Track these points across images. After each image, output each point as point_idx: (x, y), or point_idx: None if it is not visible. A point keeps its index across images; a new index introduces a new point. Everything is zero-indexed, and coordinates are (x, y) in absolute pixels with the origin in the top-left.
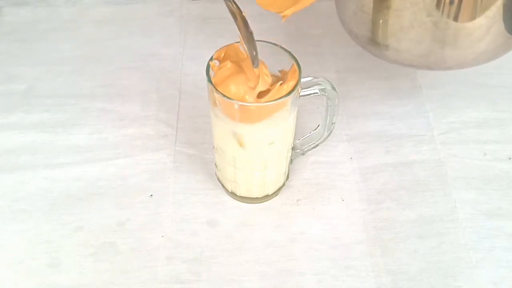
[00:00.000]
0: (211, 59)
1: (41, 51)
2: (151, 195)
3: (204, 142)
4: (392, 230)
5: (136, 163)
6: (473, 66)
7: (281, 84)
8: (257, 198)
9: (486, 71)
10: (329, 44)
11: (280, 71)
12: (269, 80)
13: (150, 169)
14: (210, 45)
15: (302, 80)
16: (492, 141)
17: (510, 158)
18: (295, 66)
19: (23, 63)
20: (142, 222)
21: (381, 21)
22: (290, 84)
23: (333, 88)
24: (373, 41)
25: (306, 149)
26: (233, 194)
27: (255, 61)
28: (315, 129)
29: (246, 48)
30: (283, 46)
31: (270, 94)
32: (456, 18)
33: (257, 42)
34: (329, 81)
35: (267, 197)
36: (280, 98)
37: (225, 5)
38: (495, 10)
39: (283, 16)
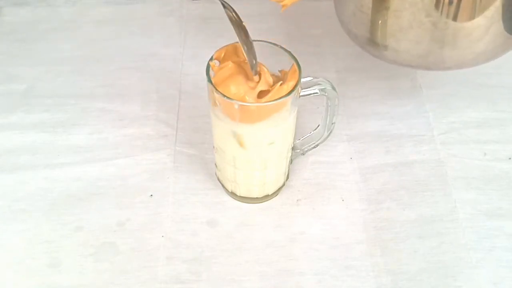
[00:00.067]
0: (211, 59)
1: (41, 51)
2: (151, 195)
3: (204, 142)
4: (392, 230)
5: (136, 163)
6: (472, 66)
7: (281, 84)
8: (257, 198)
9: (485, 71)
10: (329, 44)
11: (280, 71)
12: (271, 80)
13: (150, 169)
14: (210, 45)
15: (302, 80)
16: (492, 141)
17: (510, 158)
18: (295, 66)
19: (23, 63)
20: (142, 222)
21: (380, 21)
22: (290, 84)
23: (333, 88)
24: (372, 42)
25: (306, 149)
26: (233, 194)
27: (254, 68)
28: (315, 129)
29: (246, 56)
30: (283, 46)
31: (270, 94)
32: (455, 18)
33: (257, 42)
34: (329, 81)
35: (267, 197)
36: (280, 98)
37: None
38: (494, 10)
39: (283, 6)
